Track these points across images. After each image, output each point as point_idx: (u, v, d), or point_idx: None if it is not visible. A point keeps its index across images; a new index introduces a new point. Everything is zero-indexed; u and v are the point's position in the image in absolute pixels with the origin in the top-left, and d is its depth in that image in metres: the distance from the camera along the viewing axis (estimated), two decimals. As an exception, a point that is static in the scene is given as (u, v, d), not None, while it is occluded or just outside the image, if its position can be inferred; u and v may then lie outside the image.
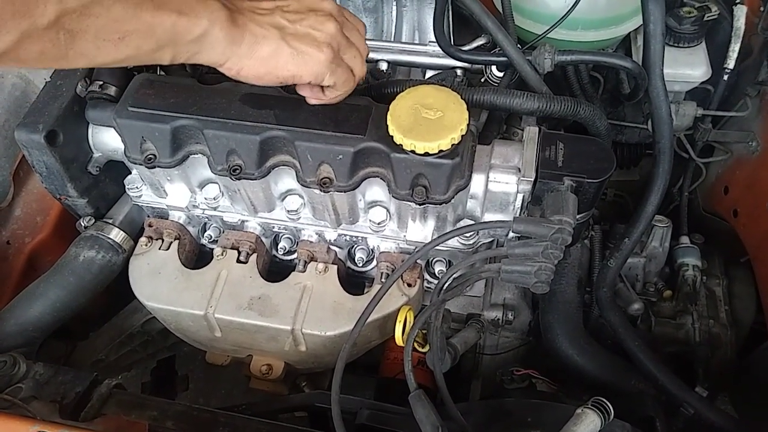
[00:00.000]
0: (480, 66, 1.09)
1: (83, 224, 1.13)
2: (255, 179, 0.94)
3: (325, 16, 0.80)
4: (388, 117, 0.82)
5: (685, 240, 1.36)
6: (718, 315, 1.27)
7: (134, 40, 0.66)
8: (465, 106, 0.83)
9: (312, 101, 0.87)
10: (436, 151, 0.82)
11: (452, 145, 0.82)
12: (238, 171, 0.93)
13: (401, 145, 0.82)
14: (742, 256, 1.32)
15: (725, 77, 1.27)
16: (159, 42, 0.68)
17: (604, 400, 0.79)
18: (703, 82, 1.23)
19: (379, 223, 0.99)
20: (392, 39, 1.22)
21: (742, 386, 1.20)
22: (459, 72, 1.12)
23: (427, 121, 0.82)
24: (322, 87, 0.84)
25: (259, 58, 0.75)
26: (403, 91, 0.86)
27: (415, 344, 0.90)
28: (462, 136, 0.82)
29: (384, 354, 1.31)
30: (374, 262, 1.09)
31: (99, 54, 0.65)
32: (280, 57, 0.76)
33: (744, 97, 1.32)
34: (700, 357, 1.22)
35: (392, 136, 0.82)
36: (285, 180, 0.99)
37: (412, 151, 0.82)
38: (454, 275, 0.93)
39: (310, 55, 0.77)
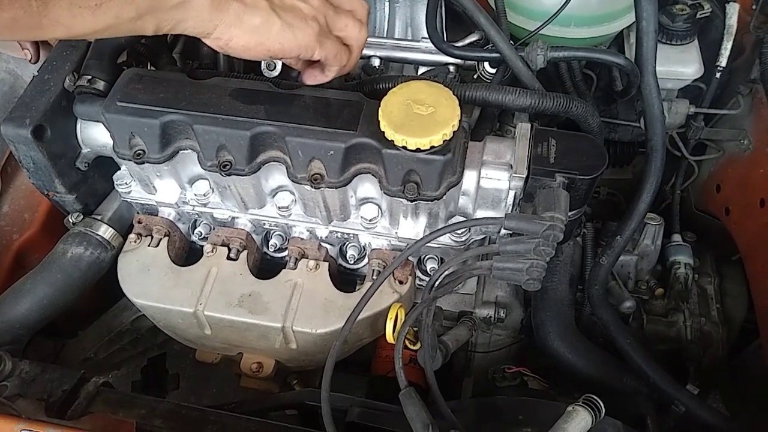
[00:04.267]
0: (473, 62, 1.09)
1: (71, 220, 1.11)
2: (245, 175, 0.93)
3: None
4: (380, 112, 0.82)
5: (677, 238, 1.37)
6: (710, 313, 1.28)
7: (112, 8, 0.64)
8: (457, 102, 0.82)
9: (309, 81, 0.87)
10: (428, 147, 0.81)
11: (444, 141, 0.81)
12: (228, 167, 0.92)
13: (393, 140, 0.81)
14: (733, 254, 1.32)
15: (717, 75, 1.27)
16: (139, 9, 0.66)
17: (596, 397, 0.78)
18: (695, 80, 1.23)
19: (370, 220, 0.99)
20: (385, 35, 1.21)
21: (734, 384, 1.20)
22: (451, 68, 1.12)
23: (419, 117, 0.81)
24: (322, 67, 0.84)
25: (249, 28, 0.74)
26: (395, 86, 0.86)
27: (407, 342, 0.90)
28: (454, 132, 0.81)
29: (376, 351, 1.31)
30: (366, 259, 1.08)
31: (76, 22, 0.63)
32: (272, 28, 0.75)
33: (736, 95, 1.32)
34: (691, 355, 1.23)
35: (384, 132, 0.81)
36: (276, 176, 0.98)
37: (404, 147, 0.82)
38: (446, 272, 0.93)
39: (298, 28, 0.77)
